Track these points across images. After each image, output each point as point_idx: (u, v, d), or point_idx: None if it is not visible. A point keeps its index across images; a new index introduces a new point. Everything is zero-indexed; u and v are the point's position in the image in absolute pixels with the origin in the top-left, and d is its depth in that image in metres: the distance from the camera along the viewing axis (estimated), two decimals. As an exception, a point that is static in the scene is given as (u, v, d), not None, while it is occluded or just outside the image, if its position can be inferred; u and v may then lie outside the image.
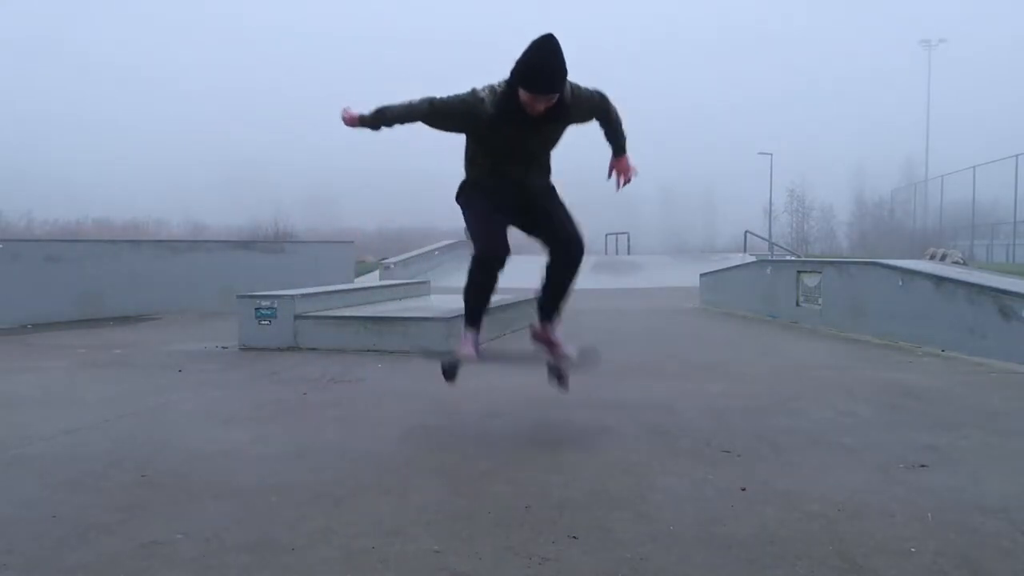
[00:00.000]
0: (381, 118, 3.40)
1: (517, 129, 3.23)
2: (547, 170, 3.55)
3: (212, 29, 78.59)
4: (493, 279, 3.43)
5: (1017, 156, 28.02)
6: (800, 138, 53.91)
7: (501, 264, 3.37)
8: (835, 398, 4.29)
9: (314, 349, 6.32)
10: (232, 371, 5.40)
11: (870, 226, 42.54)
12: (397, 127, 3.41)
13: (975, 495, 2.61)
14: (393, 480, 2.80)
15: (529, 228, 3.55)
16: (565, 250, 3.50)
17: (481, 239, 3.37)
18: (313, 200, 43.79)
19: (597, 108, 3.44)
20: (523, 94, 3.08)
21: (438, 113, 3.28)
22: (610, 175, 3.60)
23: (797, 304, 8.67)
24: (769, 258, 17.81)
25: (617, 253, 28.73)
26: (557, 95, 3.11)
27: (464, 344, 3.54)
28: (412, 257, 19.47)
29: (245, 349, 6.44)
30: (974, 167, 31.38)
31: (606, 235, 30.35)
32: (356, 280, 13.65)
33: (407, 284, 9.79)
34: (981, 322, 5.83)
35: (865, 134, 55.61)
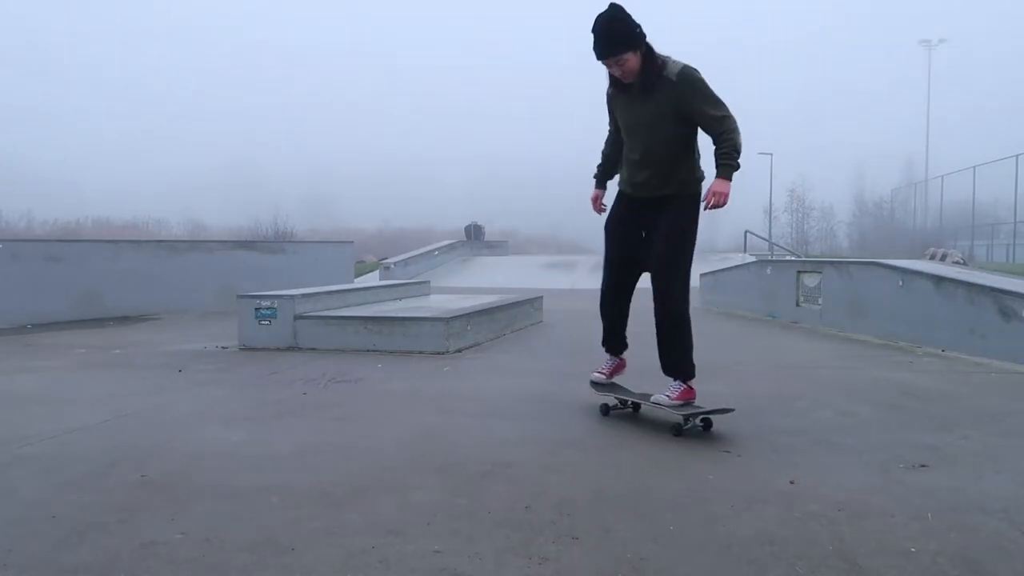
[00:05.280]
0: (607, 168, 3.87)
1: (626, 103, 3.53)
2: (666, 178, 3.53)
3: (213, 33, 78.64)
4: (607, 312, 3.85)
5: (1017, 156, 28.01)
6: (800, 138, 53.90)
7: (610, 300, 3.81)
8: (835, 398, 4.29)
9: (314, 349, 6.32)
10: (232, 371, 5.39)
11: (870, 226, 42.55)
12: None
13: (975, 495, 2.61)
14: (393, 480, 2.80)
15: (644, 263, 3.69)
16: (655, 307, 3.57)
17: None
18: (313, 201, 43.87)
19: (706, 115, 3.38)
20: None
21: (611, 120, 3.76)
22: (704, 193, 3.50)
23: (797, 304, 8.66)
24: (769, 258, 17.80)
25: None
26: (614, 59, 3.37)
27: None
28: (412, 257, 19.48)
29: (245, 349, 6.44)
30: (974, 167, 31.37)
31: (606, 235, 30.25)
32: (356, 280, 13.66)
33: (407, 284, 9.79)
34: (981, 322, 5.83)
35: (865, 134, 55.64)
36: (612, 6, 3.38)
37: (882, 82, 66.33)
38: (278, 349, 6.36)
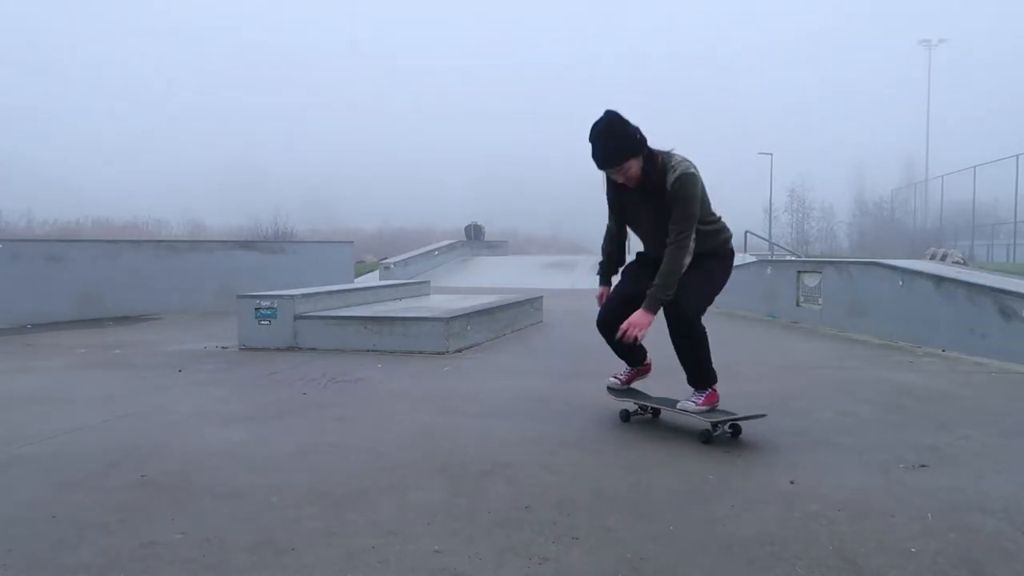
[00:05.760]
0: (610, 266, 3.80)
1: (630, 203, 3.50)
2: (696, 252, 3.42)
3: (213, 33, 78.62)
4: (609, 340, 3.65)
5: (1017, 156, 28.00)
6: (800, 138, 53.92)
7: (604, 330, 3.62)
8: (835, 398, 4.29)
9: (314, 349, 6.32)
10: (232, 371, 5.39)
11: (870, 226, 42.56)
12: (622, 251, 3.77)
13: (975, 495, 2.61)
14: (393, 480, 2.80)
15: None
16: (667, 321, 3.42)
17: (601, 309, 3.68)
18: (313, 201, 43.89)
19: (672, 223, 3.29)
20: None
21: (611, 217, 3.71)
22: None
23: (797, 304, 8.67)
24: (769, 258, 17.80)
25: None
26: (616, 168, 3.30)
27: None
28: (412, 257, 19.48)
29: (245, 349, 6.44)
30: (974, 167, 31.37)
31: (606, 235, 30.26)
32: (356, 280, 13.66)
33: (407, 284, 9.80)
34: (981, 322, 5.83)
35: (865, 134, 55.66)
36: (608, 114, 3.28)
37: (882, 82, 66.44)
38: (278, 349, 6.36)
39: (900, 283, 6.90)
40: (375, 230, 40.97)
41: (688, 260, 3.31)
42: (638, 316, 3.30)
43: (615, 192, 3.54)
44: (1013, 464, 3.01)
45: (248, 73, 77.41)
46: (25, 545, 2.21)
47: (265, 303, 6.50)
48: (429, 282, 10.85)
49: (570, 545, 2.19)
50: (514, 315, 7.95)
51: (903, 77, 62.26)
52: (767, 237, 31.09)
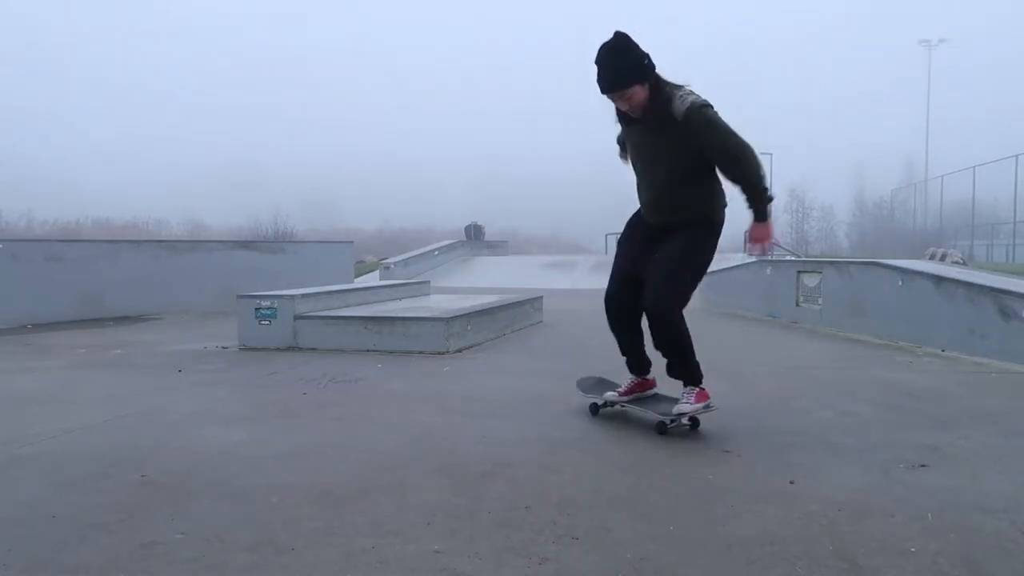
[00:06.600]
0: None
1: (634, 133, 3.41)
2: (678, 209, 3.39)
3: (213, 33, 78.63)
4: (613, 325, 3.63)
5: (1017, 156, 28.03)
6: (800, 138, 53.92)
7: (613, 310, 3.59)
8: (835, 398, 4.29)
9: (314, 349, 6.32)
10: (232, 371, 5.39)
11: (870, 226, 42.60)
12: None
13: (975, 495, 2.61)
14: (393, 480, 2.80)
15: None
16: (648, 321, 3.43)
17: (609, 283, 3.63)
18: (313, 201, 43.91)
19: (716, 159, 3.24)
20: None
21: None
22: (746, 240, 3.31)
23: (797, 304, 8.66)
24: (769, 258, 17.79)
25: (617, 253, 28.57)
26: (624, 92, 3.21)
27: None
28: (412, 257, 19.46)
29: (245, 349, 6.44)
30: (974, 167, 31.40)
31: (606, 235, 30.32)
32: (356, 280, 13.66)
33: (407, 284, 9.79)
34: (981, 322, 5.83)
35: (865, 134, 55.67)
36: (617, 35, 3.18)
37: (882, 82, 66.43)
38: (278, 349, 6.36)
39: (900, 283, 6.89)
40: (375, 230, 40.98)
41: (758, 163, 3.21)
42: (757, 230, 3.29)
43: (623, 126, 3.45)
44: (1013, 464, 3.01)
45: (248, 73, 77.42)
46: (25, 545, 2.21)
47: (265, 303, 6.50)
48: (429, 282, 10.84)
49: (570, 545, 2.19)
50: (514, 315, 7.95)
51: (903, 77, 62.17)
52: (767, 237, 31.03)
